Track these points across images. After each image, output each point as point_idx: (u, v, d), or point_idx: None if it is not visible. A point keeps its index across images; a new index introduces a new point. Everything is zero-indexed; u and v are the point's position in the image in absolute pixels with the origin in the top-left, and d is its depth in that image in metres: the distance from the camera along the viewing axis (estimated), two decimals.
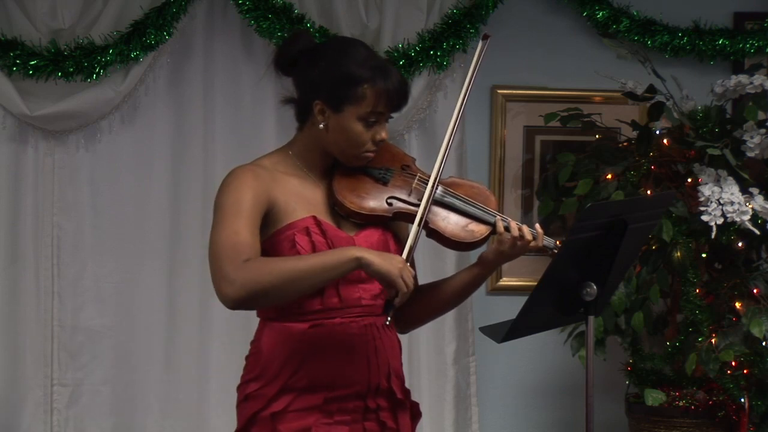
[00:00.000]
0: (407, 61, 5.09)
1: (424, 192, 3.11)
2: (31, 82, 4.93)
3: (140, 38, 4.96)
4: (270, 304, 3.00)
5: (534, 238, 3.13)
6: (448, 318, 5.15)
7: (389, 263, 2.93)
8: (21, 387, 5.02)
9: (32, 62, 4.90)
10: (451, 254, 5.08)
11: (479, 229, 3.15)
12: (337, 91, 3.06)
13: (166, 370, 5.09)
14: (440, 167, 3.12)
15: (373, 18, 5.13)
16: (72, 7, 4.98)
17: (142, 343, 5.08)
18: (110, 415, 5.07)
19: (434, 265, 4.98)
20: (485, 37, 3.18)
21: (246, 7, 4.99)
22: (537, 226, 3.16)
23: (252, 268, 2.91)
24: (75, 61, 4.92)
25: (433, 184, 3.11)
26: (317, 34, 5.00)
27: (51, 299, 5.04)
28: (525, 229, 3.13)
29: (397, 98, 3.09)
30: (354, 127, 3.08)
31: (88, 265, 5.07)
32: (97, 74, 4.94)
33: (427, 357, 5.20)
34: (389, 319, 3.00)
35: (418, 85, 5.14)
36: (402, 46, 5.10)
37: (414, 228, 3.06)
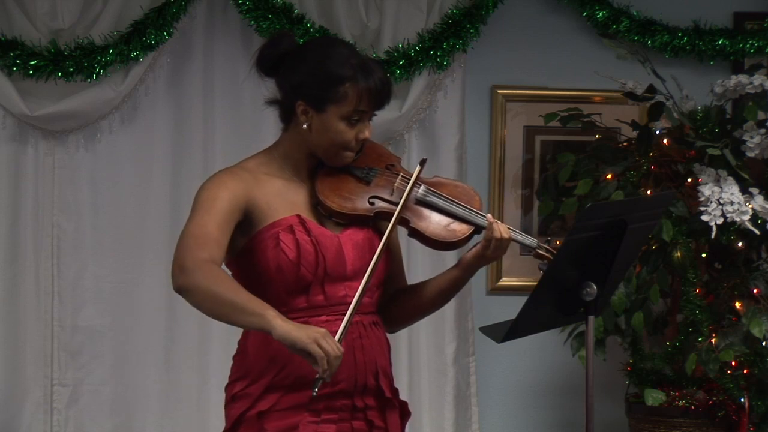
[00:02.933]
0: (407, 61, 5.09)
1: (404, 190, 3.10)
2: (31, 82, 4.93)
3: (140, 38, 4.96)
4: (197, 307, 2.99)
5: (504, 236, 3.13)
6: (448, 318, 5.15)
7: (302, 332, 2.85)
8: (21, 387, 5.02)
9: (32, 62, 4.90)
10: (450, 255, 5.07)
11: (461, 229, 3.15)
12: (319, 90, 3.06)
13: (166, 370, 5.09)
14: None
15: (373, 18, 5.13)
16: (72, 7, 4.98)
17: (142, 343, 5.08)
18: (110, 415, 5.07)
19: (434, 264, 4.98)
20: (422, 162, 3.13)
21: (246, 7, 5.00)
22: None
23: (205, 272, 2.94)
24: (75, 61, 4.92)
25: (411, 186, 3.10)
26: (317, 34, 5.00)
27: (51, 299, 5.04)
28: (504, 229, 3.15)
29: (380, 96, 3.09)
30: (337, 127, 3.08)
31: (88, 265, 5.07)
32: (97, 74, 4.94)
33: (427, 357, 5.20)
34: (315, 391, 2.89)
35: (418, 85, 5.14)
36: (402, 46, 5.11)
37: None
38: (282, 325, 2.85)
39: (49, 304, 5.04)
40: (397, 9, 5.13)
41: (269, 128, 5.08)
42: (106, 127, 5.08)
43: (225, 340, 5.03)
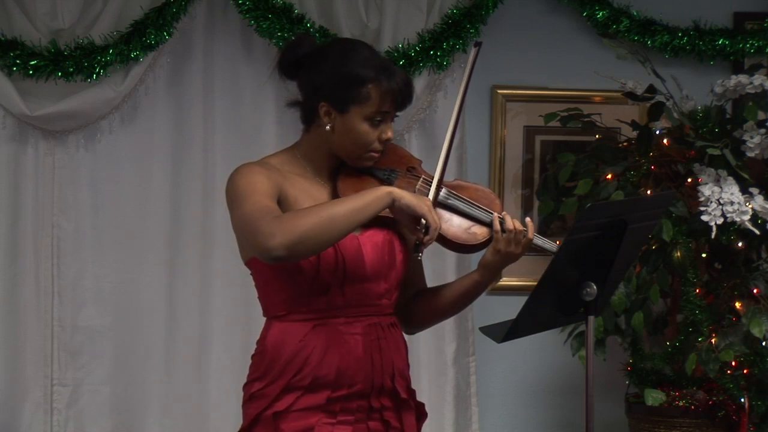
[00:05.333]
0: (407, 61, 5.09)
1: (427, 194, 3.11)
2: (31, 82, 4.93)
3: (140, 38, 4.96)
4: (310, 251, 2.94)
5: (526, 230, 3.13)
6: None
7: (421, 201, 2.98)
8: (21, 387, 5.02)
9: (32, 62, 4.90)
10: (450, 254, 5.08)
11: (482, 232, 3.16)
12: (342, 92, 3.07)
13: (166, 370, 5.09)
14: (442, 170, 3.13)
15: (373, 18, 5.13)
16: (72, 7, 4.98)
17: (142, 343, 5.08)
18: (110, 415, 5.07)
19: (434, 265, 4.98)
20: (477, 44, 3.19)
21: (246, 7, 4.99)
22: (527, 219, 3.17)
23: (286, 218, 2.93)
24: (75, 61, 4.92)
25: (437, 185, 3.12)
26: (317, 35, 5.00)
27: (51, 299, 5.04)
28: (518, 223, 3.14)
29: (402, 97, 3.10)
30: (360, 128, 3.09)
31: (88, 265, 5.07)
32: (97, 74, 4.94)
33: (427, 357, 5.20)
34: (420, 255, 3.02)
35: (418, 85, 5.13)
36: (402, 46, 5.11)
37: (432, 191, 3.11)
38: (404, 194, 2.98)
39: (49, 304, 5.04)
40: (397, 9, 5.13)
41: (269, 128, 5.09)
42: (106, 127, 5.08)
43: (225, 339, 5.05)
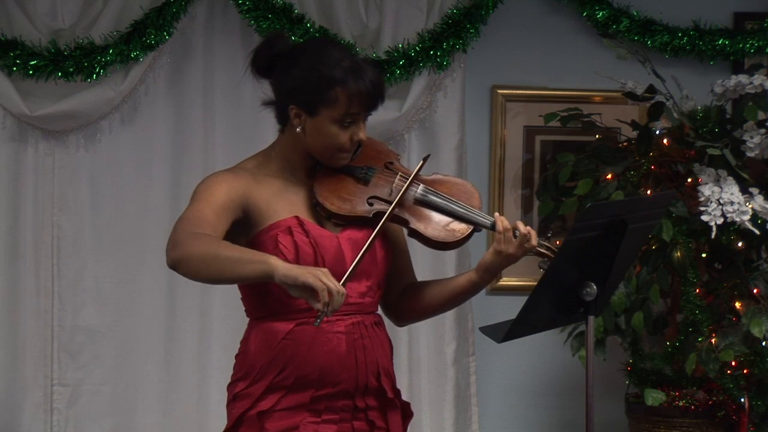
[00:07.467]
0: (407, 61, 5.09)
1: (401, 189, 3.10)
2: (31, 82, 4.93)
3: (140, 38, 4.96)
4: (190, 275, 2.94)
5: (529, 234, 3.11)
6: (448, 318, 5.15)
7: (303, 269, 2.85)
8: (21, 387, 5.02)
9: (32, 62, 4.90)
10: (450, 253, 5.08)
11: (460, 228, 3.15)
12: (311, 95, 3.06)
13: (166, 370, 5.10)
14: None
15: (373, 18, 5.13)
16: (72, 7, 4.98)
17: (142, 343, 5.09)
18: (110, 415, 5.08)
19: (434, 265, 4.98)
20: (425, 158, 3.13)
21: (246, 7, 5.00)
22: (528, 228, 3.15)
23: (196, 239, 2.92)
24: (75, 61, 4.92)
25: (406, 187, 3.09)
26: (317, 35, 5.00)
27: (51, 299, 5.04)
28: (520, 224, 3.12)
29: (371, 98, 3.08)
30: (329, 130, 3.08)
31: (88, 265, 5.07)
32: (97, 74, 4.94)
33: (427, 357, 5.20)
34: (317, 323, 2.87)
35: (418, 85, 5.14)
36: (402, 46, 5.11)
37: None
38: (284, 265, 2.85)
39: (49, 304, 5.04)
40: (397, 9, 5.13)
41: (269, 128, 5.03)
42: (106, 127, 5.09)
43: (225, 339, 5.04)
